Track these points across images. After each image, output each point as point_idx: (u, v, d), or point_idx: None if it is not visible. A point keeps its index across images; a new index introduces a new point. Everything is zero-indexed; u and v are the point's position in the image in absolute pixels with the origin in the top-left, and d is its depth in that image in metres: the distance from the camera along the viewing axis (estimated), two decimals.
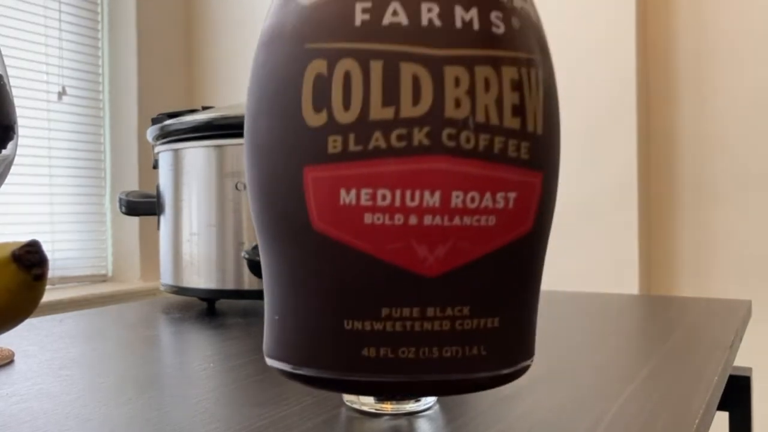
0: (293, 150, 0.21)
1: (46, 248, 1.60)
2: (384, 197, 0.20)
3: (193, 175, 0.69)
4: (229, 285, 0.67)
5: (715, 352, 0.45)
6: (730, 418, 0.78)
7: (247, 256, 0.65)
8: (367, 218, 0.21)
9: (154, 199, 0.74)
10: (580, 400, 0.34)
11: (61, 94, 1.73)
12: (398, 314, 0.21)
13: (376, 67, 0.20)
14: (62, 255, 1.71)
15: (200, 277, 0.68)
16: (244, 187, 0.66)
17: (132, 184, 1.83)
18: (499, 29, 0.21)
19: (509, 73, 0.21)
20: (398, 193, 0.20)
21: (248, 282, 0.66)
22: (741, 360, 0.65)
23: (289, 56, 0.21)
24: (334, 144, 0.21)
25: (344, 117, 0.20)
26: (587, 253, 1.46)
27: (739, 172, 1.44)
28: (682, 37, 1.49)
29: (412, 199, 0.20)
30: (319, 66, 0.21)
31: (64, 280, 1.71)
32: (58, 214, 1.71)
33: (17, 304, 0.33)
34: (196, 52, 2.01)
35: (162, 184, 0.73)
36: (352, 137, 0.20)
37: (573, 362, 0.42)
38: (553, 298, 0.74)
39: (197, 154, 0.68)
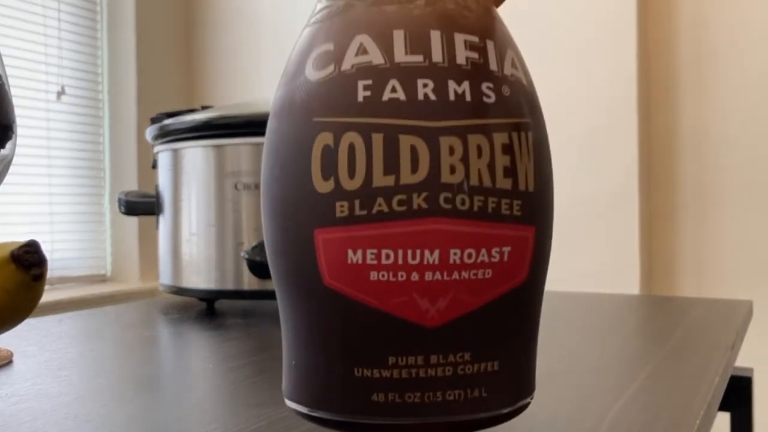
0: (305, 213, 0.23)
1: (45, 248, 1.59)
2: (388, 256, 0.22)
3: (193, 174, 0.68)
4: (229, 285, 0.67)
5: (716, 353, 0.45)
6: (731, 419, 0.78)
7: (246, 256, 0.64)
8: (373, 275, 0.23)
9: (153, 199, 0.74)
10: (581, 400, 0.34)
11: (60, 93, 1.73)
12: (404, 362, 0.23)
13: (378, 139, 0.22)
14: (61, 255, 1.70)
15: (199, 277, 0.68)
16: (244, 187, 0.66)
17: (131, 183, 1.82)
18: (490, 99, 0.23)
19: (500, 138, 0.23)
20: (400, 252, 0.22)
21: (248, 282, 0.66)
22: (742, 360, 0.65)
23: (299, 128, 0.24)
24: (341, 209, 0.23)
25: (350, 184, 0.22)
26: (588, 253, 1.46)
27: (741, 172, 1.44)
28: (683, 37, 1.49)
29: (414, 257, 0.22)
30: (326, 138, 0.23)
31: (63, 281, 1.71)
32: (57, 214, 1.70)
33: (16, 304, 0.33)
34: (196, 52, 2.00)
35: (161, 184, 0.73)
36: (357, 203, 0.22)
37: (573, 362, 0.42)
38: (553, 298, 0.74)
39: (196, 154, 0.68)
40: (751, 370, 0.78)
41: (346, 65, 0.23)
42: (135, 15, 1.84)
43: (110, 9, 1.85)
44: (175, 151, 0.70)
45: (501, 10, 0.27)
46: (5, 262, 0.32)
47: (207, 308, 0.69)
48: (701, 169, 1.47)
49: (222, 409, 0.33)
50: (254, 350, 0.47)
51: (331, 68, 0.24)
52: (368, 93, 0.23)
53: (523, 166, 0.24)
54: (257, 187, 0.66)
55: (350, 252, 0.23)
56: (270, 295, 0.63)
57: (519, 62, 0.25)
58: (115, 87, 1.85)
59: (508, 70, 0.24)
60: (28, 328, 0.57)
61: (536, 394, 0.34)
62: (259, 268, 0.64)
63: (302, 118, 0.24)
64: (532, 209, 0.24)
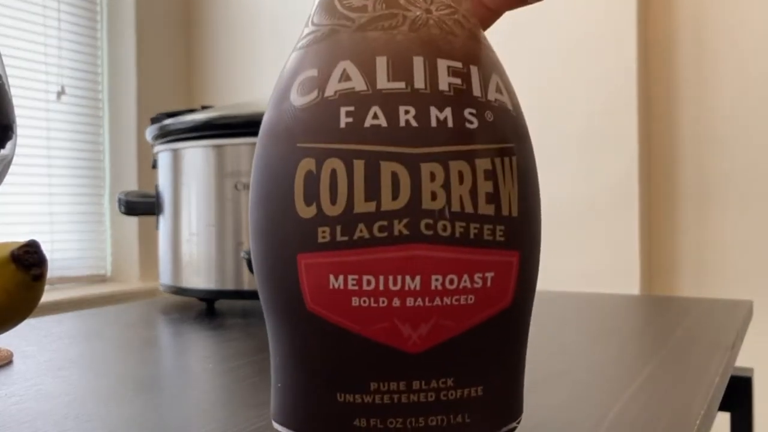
0: (288, 238, 0.23)
1: (45, 248, 1.59)
2: (369, 282, 0.22)
3: (192, 174, 0.68)
4: (229, 285, 0.67)
5: (716, 353, 0.45)
6: (731, 419, 0.78)
7: (246, 256, 0.64)
8: (354, 301, 0.23)
9: (153, 199, 0.74)
10: (581, 400, 0.34)
11: (60, 93, 1.73)
12: (386, 388, 0.23)
13: (359, 166, 0.22)
14: (61, 255, 1.70)
15: (199, 277, 0.68)
16: (244, 187, 0.66)
17: (131, 183, 1.82)
18: (473, 124, 0.23)
19: (483, 164, 0.23)
20: (381, 278, 0.22)
21: (248, 282, 0.66)
22: (742, 360, 0.65)
23: (283, 153, 0.24)
24: (323, 234, 0.23)
25: (331, 210, 0.22)
26: (588, 253, 1.46)
27: (741, 172, 1.44)
28: (683, 37, 1.49)
29: (395, 283, 0.22)
30: (308, 164, 0.23)
31: (63, 281, 1.71)
32: (57, 214, 1.70)
33: (16, 304, 0.33)
34: (196, 52, 2.00)
35: (161, 184, 0.73)
36: (338, 228, 0.22)
37: (573, 363, 0.42)
38: (553, 299, 0.74)
39: (196, 154, 0.68)
40: (751, 370, 0.78)
41: (329, 91, 0.23)
42: (135, 15, 1.84)
43: (110, 9, 1.85)
44: (175, 151, 0.70)
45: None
46: (5, 262, 0.32)
47: (207, 308, 0.69)
48: (701, 169, 1.47)
49: (222, 409, 0.33)
50: (254, 350, 0.47)
51: (314, 94, 0.24)
52: (350, 119, 0.23)
53: (507, 191, 0.24)
54: None
55: (332, 277, 0.23)
56: None
57: (504, 87, 0.25)
58: (115, 87, 1.85)
59: (492, 95, 0.24)
60: (28, 328, 0.57)
61: (536, 393, 0.34)
62: None
63: (286, 143, 0.24)
64: (515, 234, 0.24)
